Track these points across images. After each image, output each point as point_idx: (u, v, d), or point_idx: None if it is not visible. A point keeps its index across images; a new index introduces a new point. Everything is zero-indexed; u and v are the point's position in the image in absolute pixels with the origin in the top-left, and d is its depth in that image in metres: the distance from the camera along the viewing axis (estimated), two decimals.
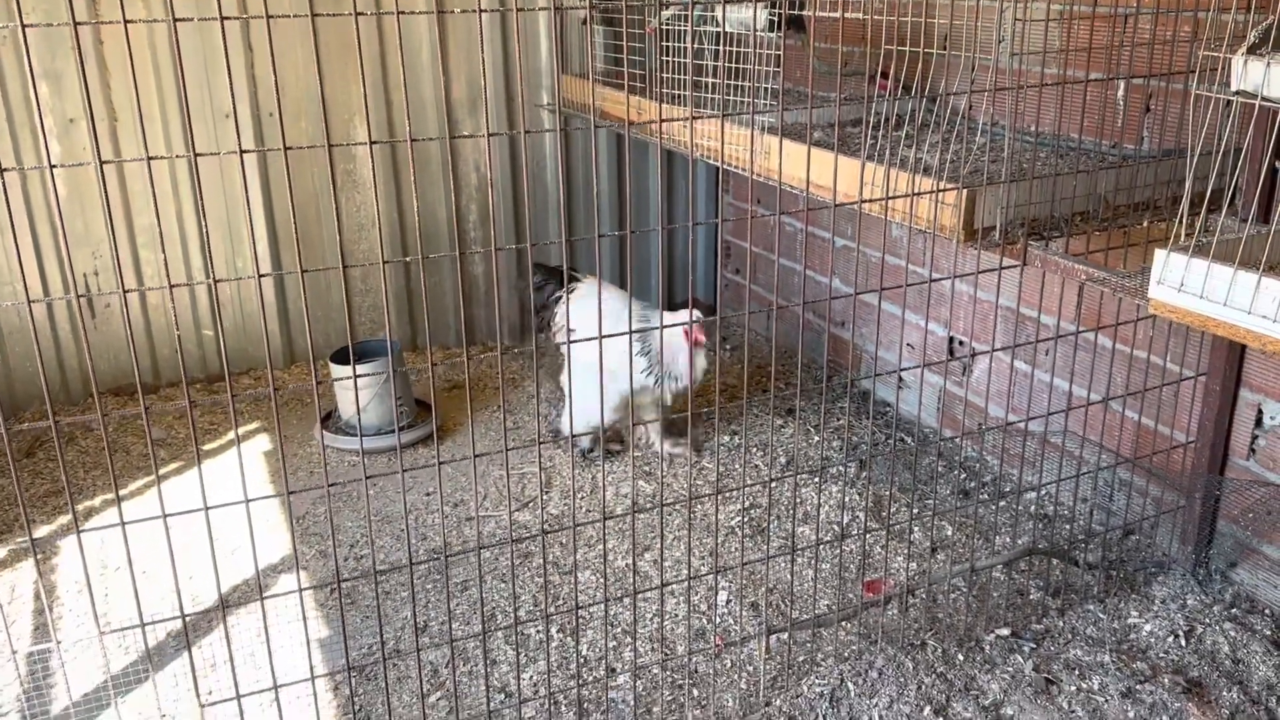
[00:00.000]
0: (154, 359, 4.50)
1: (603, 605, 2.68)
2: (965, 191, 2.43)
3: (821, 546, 3.23)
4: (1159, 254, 1.99)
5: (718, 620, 2.93)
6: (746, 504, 3.52)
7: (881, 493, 3.54)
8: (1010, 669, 2.70)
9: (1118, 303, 3.07)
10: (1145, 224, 2.52)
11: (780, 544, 3.30)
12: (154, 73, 4.11)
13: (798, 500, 3.52)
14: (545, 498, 3.63)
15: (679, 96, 3.59)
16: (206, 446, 4.06)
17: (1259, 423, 2.89)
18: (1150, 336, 3.10)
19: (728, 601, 3.03)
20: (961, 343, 3.89)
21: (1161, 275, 1.98)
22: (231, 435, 4.12)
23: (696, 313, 3.63)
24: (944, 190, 2.45)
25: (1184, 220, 2.03)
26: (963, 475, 3.75)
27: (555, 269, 4.02)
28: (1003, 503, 3.43)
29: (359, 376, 3.82)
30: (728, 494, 3.57)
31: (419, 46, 4.46)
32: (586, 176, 4.88)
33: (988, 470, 3.76)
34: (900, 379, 4.19)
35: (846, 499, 3.55)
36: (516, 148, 4.69)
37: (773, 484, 3.64)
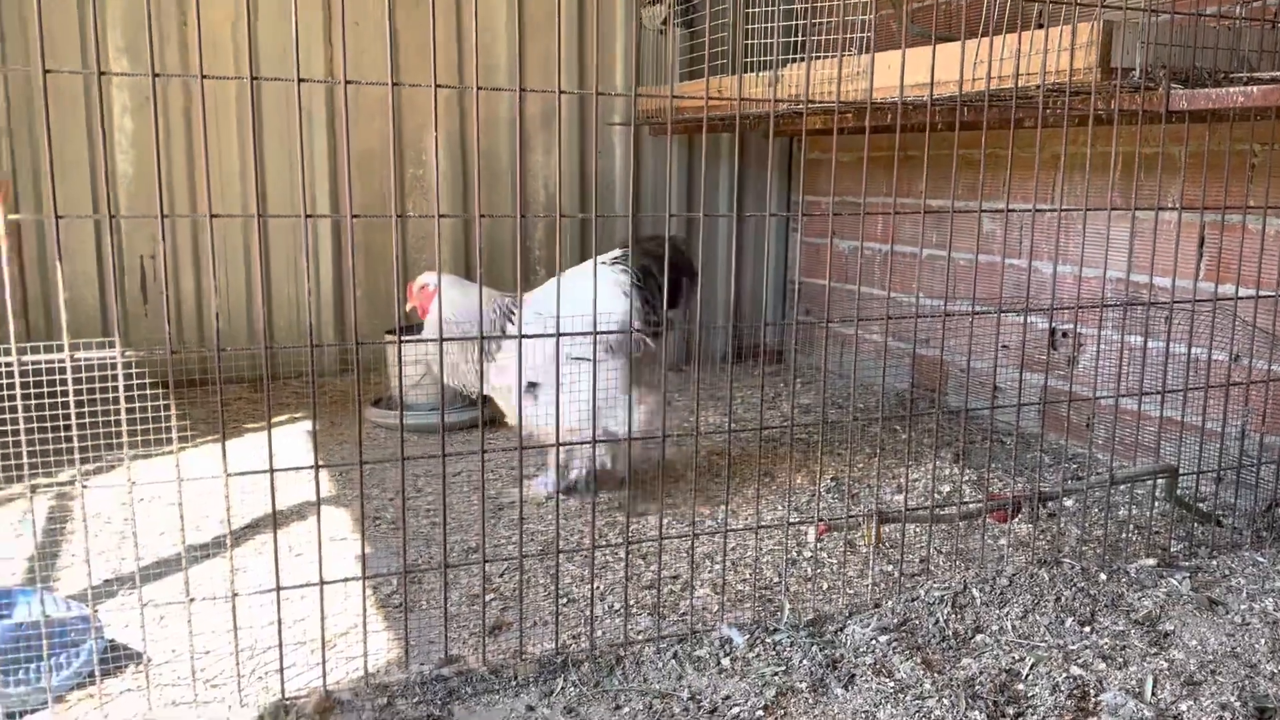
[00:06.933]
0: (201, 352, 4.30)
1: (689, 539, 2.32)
2: (1100, 24, 2.23)
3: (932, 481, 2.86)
4: None
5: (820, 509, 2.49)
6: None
7: (983, 475, 3.18)
8: (1164, 590, 2.28)
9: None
10: None
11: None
12: (233, 62, 4.11)
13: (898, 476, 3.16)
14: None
15: (761, 62, 3.49)
16: (251, 424, 3.79)
17: None
18: None
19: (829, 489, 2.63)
20: (1065, 333, 3.59)
21: None
22: (276, 419, 3.85)
23: (425, 276, 3.04)
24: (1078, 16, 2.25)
25: None
26: (1074, 466, 3.37)
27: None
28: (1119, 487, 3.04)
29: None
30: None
31: (496, 63, 4.45)
32: (658, 191, 4.73)
33: (1100, 467, 3.38)
34: (995, 386, 3.86)
35: (947, 472, 3.19)
36: (586, 164, 4.60)
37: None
